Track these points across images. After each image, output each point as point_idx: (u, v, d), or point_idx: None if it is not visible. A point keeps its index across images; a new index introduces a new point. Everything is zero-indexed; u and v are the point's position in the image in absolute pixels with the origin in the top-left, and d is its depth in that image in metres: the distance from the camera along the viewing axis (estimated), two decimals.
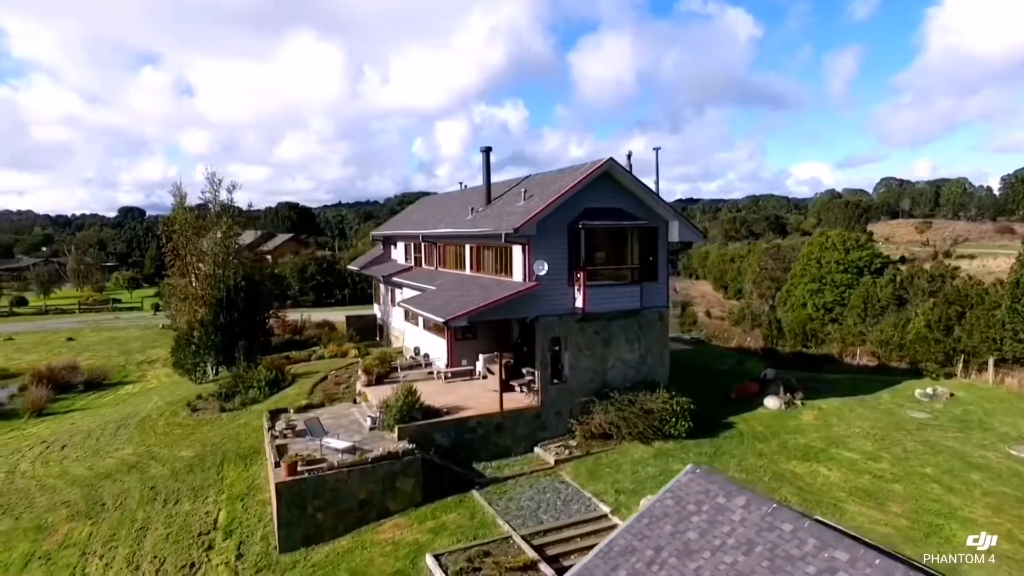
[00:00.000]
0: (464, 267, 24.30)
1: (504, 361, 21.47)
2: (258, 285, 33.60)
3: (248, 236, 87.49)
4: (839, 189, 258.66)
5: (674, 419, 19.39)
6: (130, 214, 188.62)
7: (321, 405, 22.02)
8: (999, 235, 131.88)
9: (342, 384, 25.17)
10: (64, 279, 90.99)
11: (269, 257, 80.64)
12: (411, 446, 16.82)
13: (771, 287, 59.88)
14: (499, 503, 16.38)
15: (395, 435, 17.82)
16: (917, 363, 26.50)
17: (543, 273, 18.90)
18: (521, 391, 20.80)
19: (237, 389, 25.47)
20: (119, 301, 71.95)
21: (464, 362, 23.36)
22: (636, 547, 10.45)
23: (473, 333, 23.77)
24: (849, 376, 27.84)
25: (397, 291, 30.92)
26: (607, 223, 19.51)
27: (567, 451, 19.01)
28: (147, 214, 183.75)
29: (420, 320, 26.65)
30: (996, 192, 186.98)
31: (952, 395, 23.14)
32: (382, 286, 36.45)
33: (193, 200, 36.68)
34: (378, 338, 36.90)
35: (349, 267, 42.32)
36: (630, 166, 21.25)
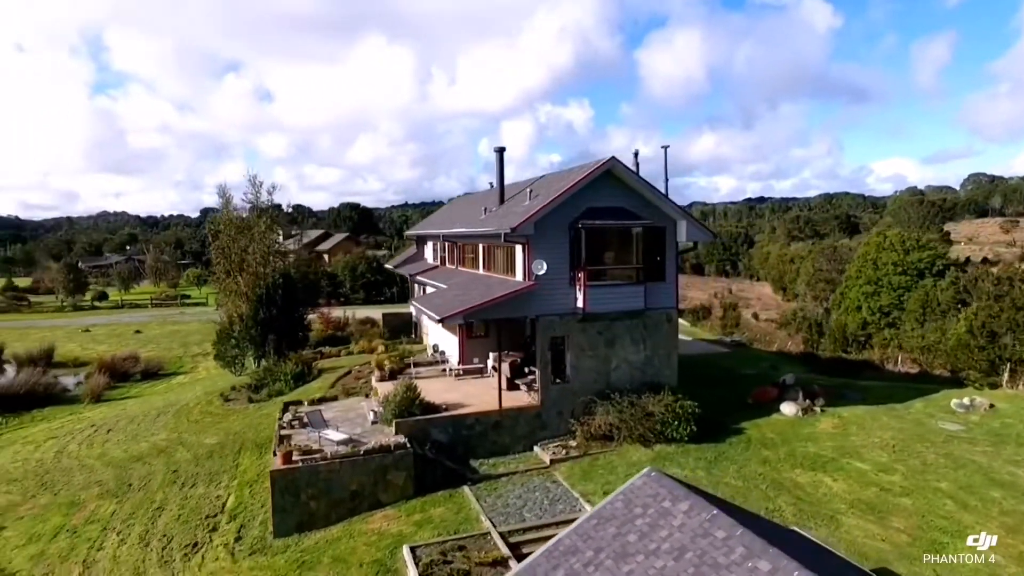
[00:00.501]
0: (477, 266, 24.60)
1: (511, 360, 21.67)
2: (296, 283, 35.01)
3: (311, 234, 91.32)
4: (922, 186, 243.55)
5: (676, 423, 18.99)
6: (209, 214, 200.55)
7: (335, 399, 22.86)
8: None
9: (361, 379, 25.98)
10: (143, 276, 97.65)
11: (326, 256, 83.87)
12: (403, 440, 17.27)
13: (825, 289, 57.13)
14: (487, 500, 16.56)
15: (392, 428, 18.31)
16: (958, 371, 24.75)
17: (542, 272, 18.92)
18: (525, 390, 20.90)
19: (266, 381, 26.78)
20: (188, 296, 76.56)
21: (476, 360, 23.67)
22: (579, 547, 10.39)
23: (485, 332, 24.05)
24: (886, 384, 26.32)
25: (428, 289, 31.59)
26: (608, 222, 19.31)
27: (565, 451, 18.96)
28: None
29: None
30: None
31: (992, 406, 21.52)
32: (416, 285, 37.33)
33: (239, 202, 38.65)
34: (413, 335, 37.73)
35: (386, 265, 43.38)
36: (637, 166, 20.90)
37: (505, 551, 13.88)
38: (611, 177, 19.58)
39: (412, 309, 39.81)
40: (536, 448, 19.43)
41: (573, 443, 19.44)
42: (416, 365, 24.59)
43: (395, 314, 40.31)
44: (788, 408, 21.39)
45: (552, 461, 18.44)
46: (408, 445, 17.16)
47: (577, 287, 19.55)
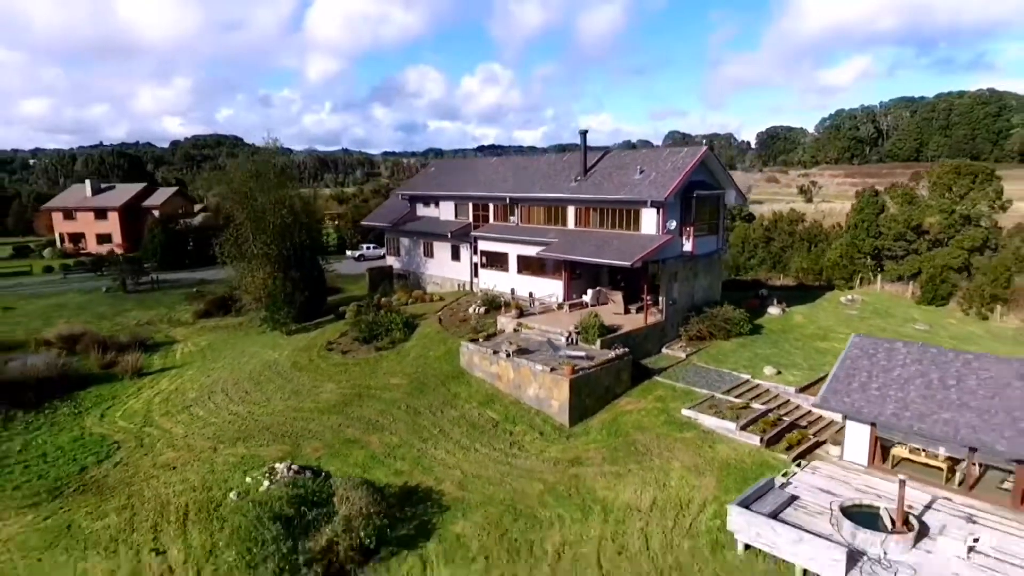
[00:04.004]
0: (565, 223, 31.27)
1: (624, 292, 29.59)
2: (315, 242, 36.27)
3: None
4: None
5: (741, 323, 29.32)
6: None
7: (494, 335, 27.91)
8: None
9: (466, 320, 30.93)
10: None
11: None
12: (626, 350, 24.50)
13: None
14: (678, 382, 24.87)
15: (597, 346, 25.13)
16: (831, 280, 40.09)
17: (674, 227, 27.19)
18: (635, 312, 29.10)
19: (377, 332, 29.83)
20: None
21: (574, 296, 30.83)
22: (854, 371, 19.91)
23: (578, 274, 31.19)
24: (791, 293, 40.49)
25: (463, 247, 36.48)
26: (706, 192, 28.28)
27: (683, 350, 27.93)
28: None
29: (512, 264, 33.20)
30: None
31: (862, 299, 36.57)
32: (406, 239, 41.14)
33: None
34: (397, 284, 41.22)
35: (367, 223, 45.16)
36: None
37: (737, 401, 22.66)
38: (703, 160, 28.40)
39: (394, 262, 43.36)
40: (664, 349, 28.03)
41: (681, 343, 28.51)
42: (531, 304, 30.70)
43: (379, 269, 43.24)
44: (774, 310, 33.42)
45: (687, 355, 27.34)
46: (628, 354, 24.44)
47: (685, 237, 28.26)
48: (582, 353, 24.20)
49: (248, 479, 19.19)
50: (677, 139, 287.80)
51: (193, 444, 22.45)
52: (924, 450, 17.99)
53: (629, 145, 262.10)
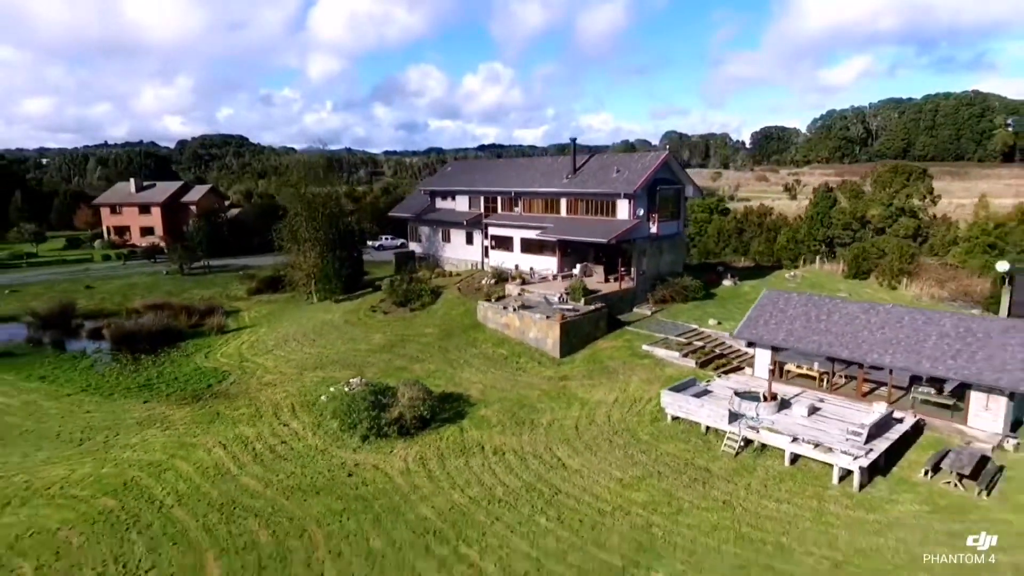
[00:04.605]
0: (558, 212, 39.31)
1: (603, 265, 37.67)
2: (353, 229, 44.39)
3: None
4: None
5: (696, 290, 37.38)
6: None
7: (502, 298, 35.88)
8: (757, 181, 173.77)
9: (480, 289, 38.89)
10: None
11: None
12: (603, 305, 32.58)
13: None
14: (642, 330, 32.91)
15: (581, 303, 33.13)
16: (779, 261, 48.19)
17: (642, 214, 35.24)
18: (613, 281, 37.11)
19: (410, 298, 37.90)
20: (34, 255, 70.82)
21: (566, 269, 38.89)
22: (761, 314, 27.96)
23: (569, 252, 39.21)
24: (747, 271, 48.57)
25: (476, 233, 44.54)
26: (668, 187, 36.34)
27: (649, 309, 35.96)
28: None
29: (516, 246, 41.25)
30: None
31: (803, 275, 44.62)
32: (426, 228, 49.20)
33: None
34: (419, 266, 49.25)
35: (394, 214, 53.28)
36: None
37: (682, 340, 30.71)
38: (665, 161, 36.44)
39: (416, 248, 51.42)
40: (634, 308, 36.06)
41: (649, 304, 36.53)
42: (531, 277, 38.77)
43: (404, 253, 51.33)
44: (727, 283, 41.52)
45: (651, 313, 35.38)
46: (603, 308, 32.51)
47: (652, 222, 36.31)
48: (570, 307, 32.27)
49: (331, 389, 27.24)
50: (674, 139, 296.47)
51: (283, 371, 30.57)
52: (805, 366, 26.05)
53: (628, 144, 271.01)
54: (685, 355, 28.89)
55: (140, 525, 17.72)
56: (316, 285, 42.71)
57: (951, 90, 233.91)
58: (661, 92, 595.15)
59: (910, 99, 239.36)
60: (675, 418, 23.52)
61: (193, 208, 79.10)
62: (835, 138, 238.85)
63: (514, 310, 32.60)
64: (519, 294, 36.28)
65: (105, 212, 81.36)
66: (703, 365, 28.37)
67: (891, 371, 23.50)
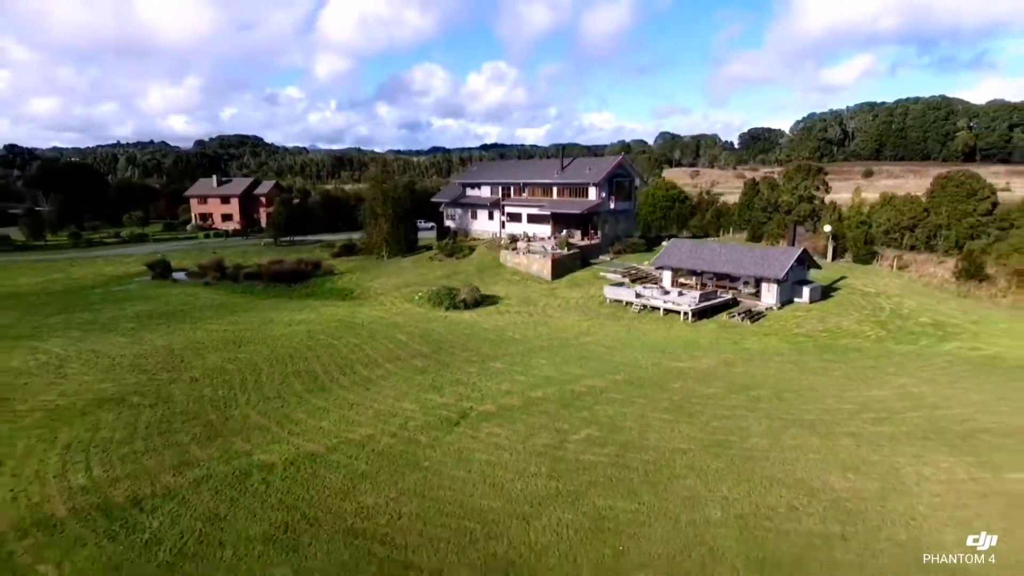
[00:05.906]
0: (552, 196, 59.52)
1: (580, 230, 58.11)
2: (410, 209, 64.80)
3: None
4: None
5: (640, 247, 57.65)
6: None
7: (515, 249, 56.04)
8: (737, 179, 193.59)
9: (500, 246, 59.11)
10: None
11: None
12: (578, 251, 52.93)
13: None
14: (602, 267, 53.12)
15: (565, 251, 53.37)
16: (707, 232, 68.33)
17: (604, 196, 55.55)
18: (587, 240, 57.31)
19: (454, 252, 58.18)
20: (147, 236, 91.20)
21: (556, 234, 59.15)
22: (668, 253, 48.47)
23: (558, 222, 59.44)
24: (687, 239, 68.66)
25: (496, 212, 64.83)
26: (623, 178, 56.67)
27: (610, 256, 56.14)
28: None
29: (524, 219, 61.56)
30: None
31: (721, 240, 64.82)
32: (458, 209, 69.51)
33: None
34: (456, 237, 69.59)
35: (435, 200, 73.75)
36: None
37: (624, 270, 50.99)
38: (620, 161, 56.66)
39: (451, 224, 71.83)
40: (600, 256, 56.26)
41: (609, 254, 56.71)
42: (533, 240, 59.08)
43: (443, 228, 71.64)
44: (665, 243, 61.74)
45: (610, 259, 55.60)
46: (579, 251, 52.80)
47: (611, 201, 56.58)
48: (559, 251, 52.55)
49: (419, 293, 47.46)
50: (667, 139, 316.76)
51: (386, 290, 50.91)
52: (687, 279, 46.32)
53: (624, 145, 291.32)
54: (624, 277, 49.23)
55: (357, 328, 37.97)
56: (388, 247, 63.02)
57: (950, 90, 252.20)
58: (664, 91, 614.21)
59: (883, 103, 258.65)
60: (613, 301, 43.83)
61: (263, 199, 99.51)
62: (815, 139, 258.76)
63: (523, 253, 52.95)
64: (527, 247, 56.57)
65: (194, 202, 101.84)
66: (634, 282, 48.69)
67: (728, 276, 43.87)
